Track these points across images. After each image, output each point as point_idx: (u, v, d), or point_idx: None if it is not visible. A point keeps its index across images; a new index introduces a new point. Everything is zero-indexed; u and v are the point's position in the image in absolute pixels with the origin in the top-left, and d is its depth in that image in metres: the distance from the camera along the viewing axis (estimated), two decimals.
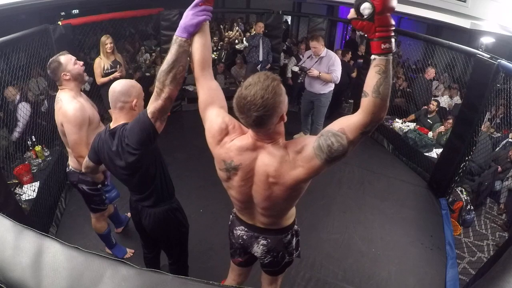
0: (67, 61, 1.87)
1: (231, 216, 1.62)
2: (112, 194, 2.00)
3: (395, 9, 0.97)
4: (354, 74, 5.19)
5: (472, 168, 3.55)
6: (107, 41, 3.52)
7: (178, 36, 1.22)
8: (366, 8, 0.96)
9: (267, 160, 1.19)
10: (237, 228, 1.54)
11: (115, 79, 2.31)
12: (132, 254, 2.56)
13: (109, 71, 3.60)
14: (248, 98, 1.03)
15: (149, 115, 1.34)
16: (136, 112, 1.51)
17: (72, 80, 1.89)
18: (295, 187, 1.21)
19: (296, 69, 3.78)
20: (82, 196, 2.21)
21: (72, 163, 2.09)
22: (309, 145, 1.13)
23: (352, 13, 1.01)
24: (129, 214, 2.62)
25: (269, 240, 1.48)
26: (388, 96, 1.00)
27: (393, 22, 0.99)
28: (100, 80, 3.62)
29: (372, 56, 1.00)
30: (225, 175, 1.31)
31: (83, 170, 1.75)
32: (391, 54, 0.99)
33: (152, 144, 1.46)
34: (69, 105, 1.83)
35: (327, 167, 1.12)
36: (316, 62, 3.68)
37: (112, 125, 1.53)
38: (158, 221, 1.67)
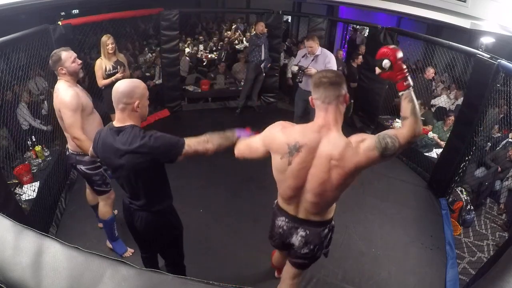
0: (67, 57, 2.05)
1: (273, 206, 1.74)
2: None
3: (402, 57, 1.40)
4: (354, 85, 5.02)
5: None
6: (108, 42, 3.38)
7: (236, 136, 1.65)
8: (386, 63, 1.40)
9: (332, 143, 1.36)
10: (279, 219, 1.65)
11: (118, 80, 2.33)
12: (131, 254, 2.55)
13: (111, 72, 3.45)
14: (327, 75, 1.38)
15: (186, 147, 1.49)
16: (139, 114, 1.51)
17: (68, 75, 2.09)
18: (353, 173, 1.36)
19: (295, 69, 3.74)
20: (84, 178, 2.34)
21: (70, 146, 2.24)
22: (370, 138, 1.35)
23: (377, 70, 1.44)
24: (116, 211, 2.62)
25: (307, 232, 1.58)
26: (419, 114, 1.37)
27: (404, 66, 1.40)
28: (101, 82, 3.48)
29: (400, 93, 1.40)
30: (286, 161, 1.41)
31: (88, 154, 1.89)
32: (411, 86, 1.39)
33: (162, 162, 1.55)
34: (65, 92, 2.02)
35: (379, 162, 1.34)
36: (312, 60, 3.66)
37: (117, 123, 1.51)
38: (150, 223, 1.67)
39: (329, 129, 1.38)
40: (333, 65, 3.61)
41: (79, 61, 2.12)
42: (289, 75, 5.44)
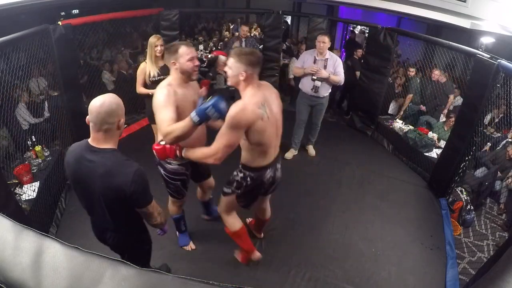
0: (183, 53, 1.89)
1: (247, 181, 2.02)
2: None
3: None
4: (358, 73, 5.17)
5: None
6: (157, 43, 2.96)
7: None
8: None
9: (269, 91, 1.90)
10: (266, 174, 2.02)
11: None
12: (190, 249, 2.62)
13: (156, 79, 2.96)
14: (258, 54, 1.84)
15: (151, 205, 1.50)
16: (119, 132, 1.41)
17: (179, 72, 1.93)
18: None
19: (319, 84, 3.48)
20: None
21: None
22: None
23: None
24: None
25: (279, 164, 2.12)
26: None
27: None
28: (140, 90, 3.05)
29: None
30: (266, 118, 1.79)
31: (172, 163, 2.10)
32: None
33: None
34: (159, 90, 1.90)
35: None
36: (324, 65, 3.50)
37: (96, 143, 1.38)
38: (121, 242, 1.67)
39: (262, 85, 1.87)
40: (341, 69, 3.51)
41: (197, 63, 1.94)
42: (291, 76, 5.43)
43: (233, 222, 2.28)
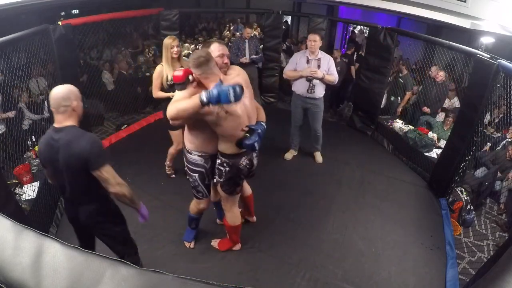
0: (215, 49, 1.98)
1: (225, 167, 2.11)
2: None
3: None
4: (353, 68, 5.23)
5: None
6: (173, 44, 2.84)
7: None
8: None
9: (239, 81, 1.96)
10: (242, 161, 2.12)
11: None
12: (189, 247, 2.64)
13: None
14: (204, 55, 1.85)
15: (105, 167, 1.64)
16: (77, 113, 1.68)
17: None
18: None
19: (316, 82, 3.43)
20: None
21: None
22: None
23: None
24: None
25: (255, 153, 2.21)
26: None
27: None
28: (157, 94, 2.92)
29: None
30: (239, 104, 1.88)
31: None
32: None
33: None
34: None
35: None
36: (318, 65, 3.45)
37: (57, 124, 1.65)
38: (93, 216, 1.81)
39: (227, 77, 1.98)
40: (334, 68, 3.50)
41: (226, 61, 2.01)
42: None
43: (235, 218, 2.43)
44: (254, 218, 2.89)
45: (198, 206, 2.42)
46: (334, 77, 3.45)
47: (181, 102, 1.84)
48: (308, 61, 3.46)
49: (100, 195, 1.77)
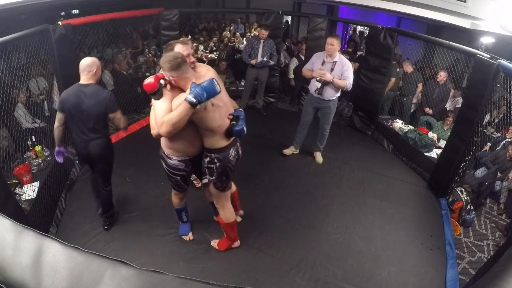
0: (179, 50, 2.01)
1: (216, 163, 2.13)
2: None
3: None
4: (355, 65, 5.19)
5: None
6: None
7: None
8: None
9: (211, 77, 1.90)
10: (230, 153, 2.15)
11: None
12: (188, 240, 2.70)
13: None
14: (179, 56, 1.88)
15: (118, 111, 2.46)
16: (95, 77, 2.39)
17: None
18: None
19: (318, 85, 3.45)
20: None
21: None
22: None
23: None
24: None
25: (238, 142, 2.26)
26: None
27: None
28: None
29: None
30: (205, 108, 1.90)
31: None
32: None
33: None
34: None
35: None
36: (331, 68, 3.43)
37: (83, 81, 2.35)
38: (102, 147, 2.48)
39: (200, 76, 1.99)
40: (351, 75, 3.41)
41: (193, 59, 2.06)
42: (291, 76, 5.44)
43: (229, 214, 2.43)
44: (241, 212, 2.94)
45: (178, 196, 2.47)
46: (344, 82, 3.39)
47: (170, 116, 1.81)
48: (323, 63, 3.48)
49: (106, 133, 2.51)
